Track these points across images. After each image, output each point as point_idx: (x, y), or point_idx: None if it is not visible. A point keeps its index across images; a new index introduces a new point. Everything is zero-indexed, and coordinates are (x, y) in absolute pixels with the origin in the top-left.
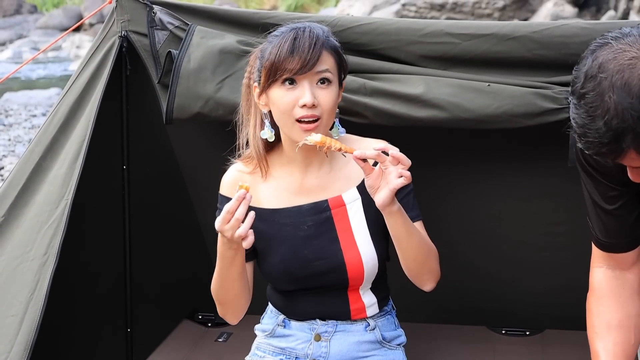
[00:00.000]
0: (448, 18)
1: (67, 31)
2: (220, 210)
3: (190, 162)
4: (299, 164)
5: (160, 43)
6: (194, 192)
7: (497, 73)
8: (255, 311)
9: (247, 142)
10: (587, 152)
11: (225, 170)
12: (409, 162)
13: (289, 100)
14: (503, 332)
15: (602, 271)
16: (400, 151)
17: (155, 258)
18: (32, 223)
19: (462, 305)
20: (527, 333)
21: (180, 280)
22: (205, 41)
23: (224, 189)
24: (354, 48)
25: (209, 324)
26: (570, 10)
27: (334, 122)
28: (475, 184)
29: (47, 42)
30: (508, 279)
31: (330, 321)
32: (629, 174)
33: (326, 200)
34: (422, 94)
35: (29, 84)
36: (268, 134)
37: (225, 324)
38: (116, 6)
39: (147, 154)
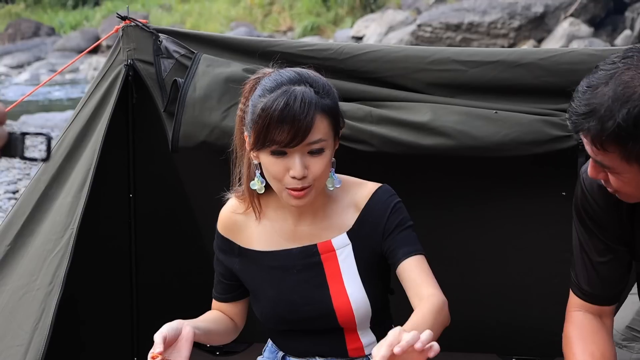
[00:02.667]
0: (463, 39)
1: (82, 54)
2: (216, 244)
3: (198, 190)
4: (293, 211)
5: (166, 71)
6: (202, 220)
7: (504, 100)
8: (260, 339)
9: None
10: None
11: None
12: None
13: (278, 169)
14: (514, 359)
15: (581, 314)
16: (407, 178)
17: (162, 287)
18: (38, 252)
19: (472, 333)
20: None
21: (188, 309)
22: (211, 69)
23: (220, 225)
24: (360, 75)
25: (217, 352)
26: (586, 30)
27: (330, 173)
28: (485, 211)
29: (64, 64)
30: (519, 306)
31: (330, 358)
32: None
33: (315, 245)
34: (429, 121)
35: (46, 106)
36: (258, 185)
37: (232, 352)
38: (122, 34)
39: (154, 182)
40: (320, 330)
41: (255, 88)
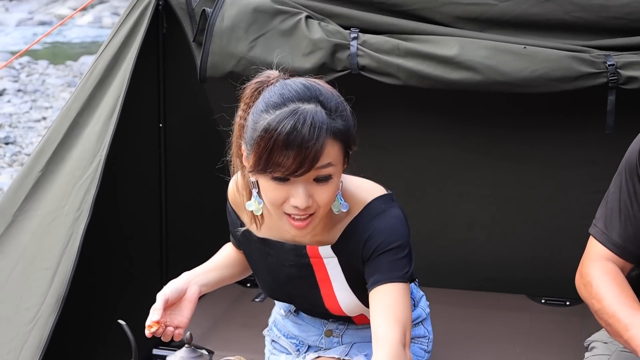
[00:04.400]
0: None
1: None
2: (227, 210)
3: (227, 121)
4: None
5: (196, 1)
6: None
7: (534, 35)
8: None
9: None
10: None
11: None
12: None
13: (279, 196)
14: (542, 301)
15: (610, 263)
16: (432, 114)
17: (192, 216)
18: (68, 178)
19: (502, 273)
20: (567, 303)
21: (218, 239)
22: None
23: (229, 196)
24: (388, 8)
25: (248, 284)
26: None
27: (337, 196)
28: (514, 149)
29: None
30: (548, 248)
31: (340, 321)
32: None
33: (305, 247)
34: (457, 55)
35: None
36: (255, 206)
37: None
38: None
39: (183, 112)
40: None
41: (257, 95)
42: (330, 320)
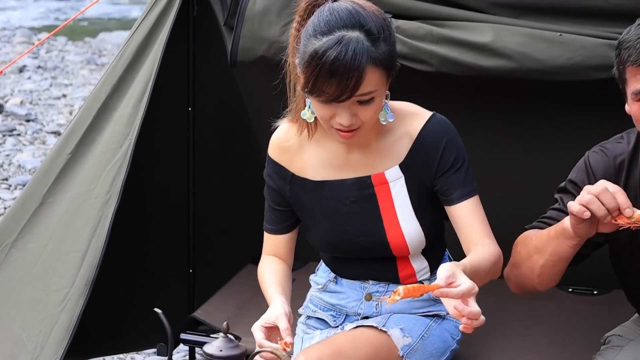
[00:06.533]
0: None
1: None
2: (267, 171)
3: (256, 106)
4: None
5: None
6: (261, 135)
7: (569, 23)
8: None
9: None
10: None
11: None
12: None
13: (326, 114)
14: (570, 290)
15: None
16: (466, 100)
17: (220, 202)
18: (97, 161)
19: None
20: (595, 292)
21: (245, 224)
22: None
23: (271, 151)
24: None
25: None
26: None
27: (384, 106)
28: (546, 137)
29: None
30: None
31: (382, 282)
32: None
33: (369, 177)
34: (491, 42)
35: (125, 24)
36: (308, 114)
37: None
38: None
39: (213, 96)
40: (372, 258)
41: (311, 10)
42: (371, 282)
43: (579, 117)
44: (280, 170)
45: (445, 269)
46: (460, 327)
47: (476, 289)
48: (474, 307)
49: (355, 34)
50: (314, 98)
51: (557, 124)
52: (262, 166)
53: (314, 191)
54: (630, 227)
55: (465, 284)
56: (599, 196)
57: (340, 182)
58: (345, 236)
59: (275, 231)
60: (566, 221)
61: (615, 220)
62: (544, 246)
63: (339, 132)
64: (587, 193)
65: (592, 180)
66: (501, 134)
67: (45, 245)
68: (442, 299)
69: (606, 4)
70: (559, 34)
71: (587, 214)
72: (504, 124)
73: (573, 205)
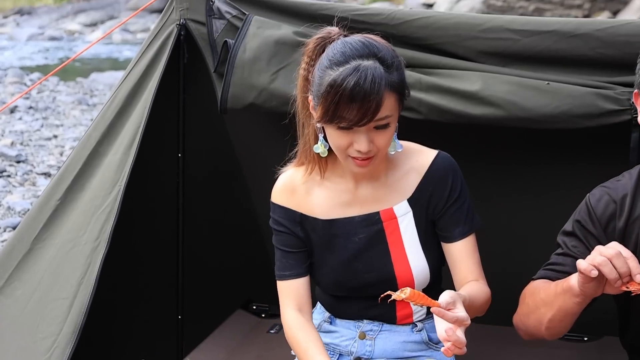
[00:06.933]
0: (536, 8)
1: (137, 11)
2: (274, 219)
3: (247, 152)
4: (354, 175)
5: (217, 32)
6: (251, 180)
7: (557, 71)
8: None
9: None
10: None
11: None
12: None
13: (344, 142)
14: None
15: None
16: (455, 148)
17: (210, 247)
18: (87, 207)
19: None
20: (585, 339)
21: (235, 269)
22: (262, 31)
23: (276, 197)
24: (410, 42)
25: (263, 315)
26: None
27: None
28: (530, 183)
29: (136, 23)
30: None
31: (376, 321)
32: None
33: (378, 213)
34: (479, 90)
35: (117, 64)
36: (321, 149)
37: (279, 315)
38: None
39: (203, 142)
40: (375, 295)
41: (320, 50)
42: (366, 321)
43: (568, 165)
44: (288, 213)
45: (449, 295)
46: (442, 349)
47: (469, 321)
48: (461, 336)
49: (370, 62)
50: (333, 126)
51: (547, 171)
52: (252, 211)
53: (323, 230)
54: (633, 292)
55: (462, 313)
56: (611, 259)
57: (349, 219)
58: (353, 273)
59: (297, 275)
60: (573, 279)
61: (627, 287)
62: (551, 301)
63: (356, 160)
64: (600, 254)
65: (593, 219)
66: (490, 182)
67: (33, 292)
68: (435, 320)
69: (592, 53)
70: (546, 82)
71: (595, 273)
72: (493, 171)
73: (582, 263)
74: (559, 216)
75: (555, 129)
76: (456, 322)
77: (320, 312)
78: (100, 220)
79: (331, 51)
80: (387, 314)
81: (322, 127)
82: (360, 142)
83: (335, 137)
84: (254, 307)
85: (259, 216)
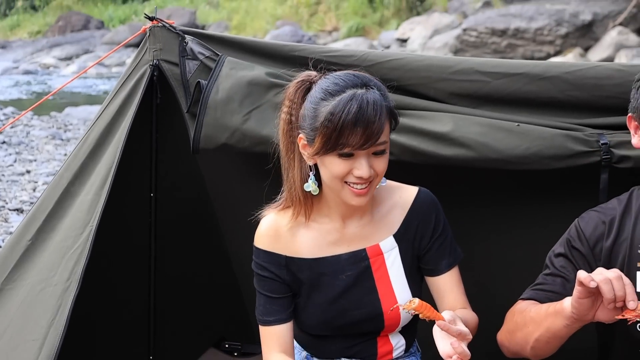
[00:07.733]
0: (509, 44)
1: (118, 46)
2: (258, 263)
3: (220, 192)
4: (341, 213)
5: (190, 73)
6: (223, 221)
7: (527, 113)
8: None
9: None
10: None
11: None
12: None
13: (344, 169)
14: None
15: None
16: (428, 188)
17: (182, 286)
18: (58, 248)
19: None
20: None
21: (208, 308)
22: (235, 72)
23: (260, 241)
24: (382, 83)
25: (235, 353)
26: (634, 39)
27: None
28: (503, 224)
29: (112, 57)
30: None
31: (356, 359)
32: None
33: (364, 249)
34: (450, 132)
35: (92, 99)
36: (312, 187)
37: (251, 353)
38: (149, 35)
39: (175, 182)
40: (360, 333)
41: (302, 92)
42: (344, 359)
43: (540, 205)
44: (273, 257)
45: (449, 314)
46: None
47: (470, 336)
48: (466, 349)
49: (366, 90)
50: (334, 154)
51: (521, 210)
52: (224, 252)
53: (310, 269)
54: (629, 320)
55: (464, 328)
56: (612, 280)
57: (335, 257)
58: (341, 311)
59: (281, 320)
60: (566, 302)
61: (623, 315)
62: (540, 320)
63: (354, 190)
64: (601, 274)
65: (582, 239)
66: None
67: (3, 333)
68: (436, 339)
69: (562, 96)
70: (517, 124)
71: (594, 284)
72: (465, 212)
73: (582, 273)
74: (533, 255)
75: (525, 170)
76: (459, 335)
77: (298, 351)
78: (71, 261)
79: (323, 85)
80: (368, 350)
81: (313, 165)
82: (361, 167)
83: (335, 165)
84: (227, 346)
85: (231, 255)
